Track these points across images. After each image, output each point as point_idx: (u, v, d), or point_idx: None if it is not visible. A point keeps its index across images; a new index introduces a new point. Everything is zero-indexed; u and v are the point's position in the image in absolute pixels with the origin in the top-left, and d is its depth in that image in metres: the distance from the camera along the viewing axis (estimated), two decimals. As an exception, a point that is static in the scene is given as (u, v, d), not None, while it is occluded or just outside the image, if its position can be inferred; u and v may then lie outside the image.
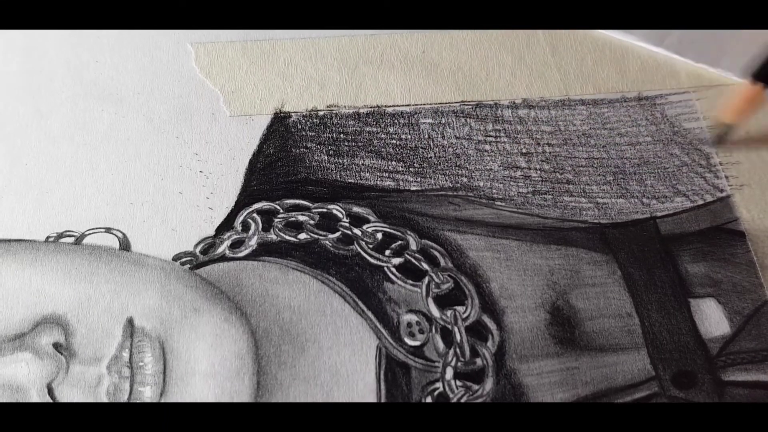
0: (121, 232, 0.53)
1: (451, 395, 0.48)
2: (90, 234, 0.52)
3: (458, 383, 0.48)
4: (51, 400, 0.43)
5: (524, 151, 0.57)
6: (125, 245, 0.52)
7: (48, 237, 0.52)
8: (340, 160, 0.56)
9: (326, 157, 0.56)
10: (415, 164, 0.56)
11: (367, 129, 0.58)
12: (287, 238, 0.53)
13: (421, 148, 0.57)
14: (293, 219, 0.54)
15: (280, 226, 0.53)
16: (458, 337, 0.50)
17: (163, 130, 0.57)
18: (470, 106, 0.59)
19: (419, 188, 0.55)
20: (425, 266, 0.52)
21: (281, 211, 0.54)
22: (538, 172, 0.56)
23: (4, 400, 0.43)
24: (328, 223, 0.54)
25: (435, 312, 0.50)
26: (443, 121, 0.58)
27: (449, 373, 0.49)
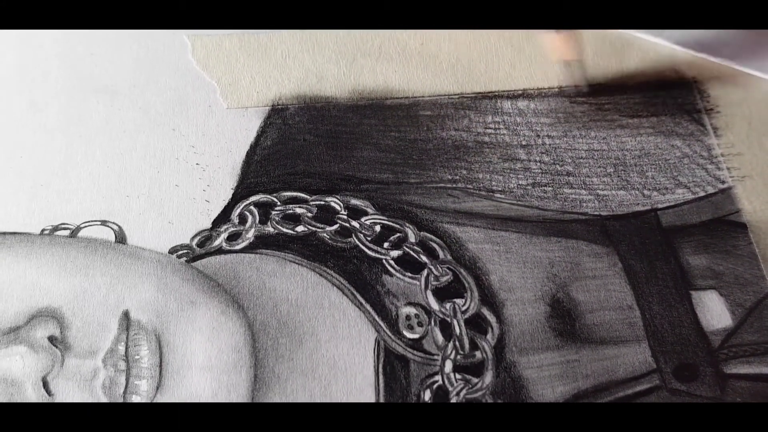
0: (117, 225, 0.52)
1: (450, 388, 0.48)
2: (85, 227, 0.52)
3: (457, 376, 0.48)
4: (46, 394, 0.43)
5: (524, 143, 0.57)
6: (121, 238, 0.52)
7: (43, 230, 0.52)
8: (338, 152, 0.56)
9: (324, 149, 0.56)
10: (413, 156, 0.56)
11: (366, 121, 0.57)
12: (285, 230, 0.53)
13: (420, 140, 0.57)
14: (291, 211, 0.53)
15: (277, 218, 0.53)
16: (457, 330, 0.49)
17: (159, 122, 0.57)
18: (469, 98, 0.58)
19: (418, 180, 0.55)
20: (424, 259, 0.51)
21: (279, 203, 0.54)
22: (538, 164, 0.56)
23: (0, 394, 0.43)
24: (325, 215, 0.53)
25: (434, 305, 0.50)
26: (442, 113, 0.58)
27: (448, 366, 0.48)
